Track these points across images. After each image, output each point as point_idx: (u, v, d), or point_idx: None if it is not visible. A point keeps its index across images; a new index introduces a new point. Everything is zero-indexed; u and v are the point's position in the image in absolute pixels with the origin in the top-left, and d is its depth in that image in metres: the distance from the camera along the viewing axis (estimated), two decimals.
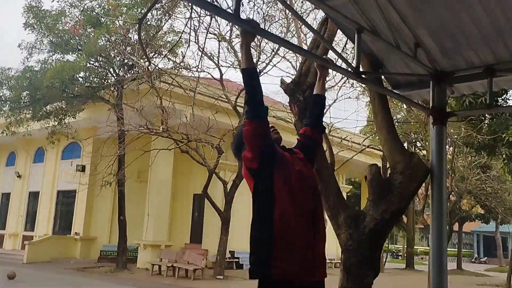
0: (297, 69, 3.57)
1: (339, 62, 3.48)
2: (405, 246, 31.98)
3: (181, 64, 16.71)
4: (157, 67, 16.03)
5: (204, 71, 16.97)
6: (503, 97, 10.87)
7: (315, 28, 3.62)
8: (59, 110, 18.96)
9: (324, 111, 2.90)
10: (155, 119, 16.84)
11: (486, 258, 47.56)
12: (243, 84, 2.43)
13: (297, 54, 12.42)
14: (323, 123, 2.95)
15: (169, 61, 17.60)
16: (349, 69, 2.92)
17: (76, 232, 22.30)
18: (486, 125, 12.90)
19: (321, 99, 2.84)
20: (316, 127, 2.84)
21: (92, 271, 17.43)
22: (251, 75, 2.32)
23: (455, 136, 18.55)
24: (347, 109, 51.45)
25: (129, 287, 13.35)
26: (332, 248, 24.78)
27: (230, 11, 2.26)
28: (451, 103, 10.33)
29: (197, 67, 16.82)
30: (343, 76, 15.25)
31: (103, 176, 17.29)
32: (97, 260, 20.50)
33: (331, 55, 3.93)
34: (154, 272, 17.45)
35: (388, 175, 3.56)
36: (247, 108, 2.45)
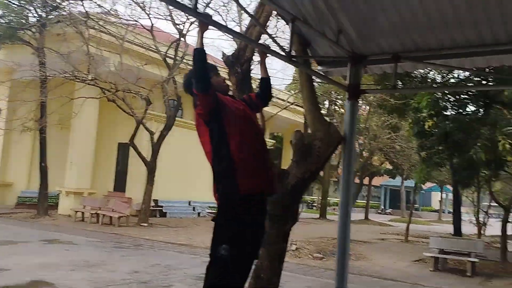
0: (237, 45, 4.03)
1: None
2: (320, 198, 34.09)
3: (110, 10, 16.28)
4: (82, 11, 15.49)
5: (134, 20, 16.59)
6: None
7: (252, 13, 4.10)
8: None
9: (271, 89, 3.45)
10: (81, 65, 16.43)
11: (391, 210, 51.91)
12: (192, 62, 2.89)
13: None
14: (271, 95, 3.50)
15: (97, 6, 17.01)
16: (283, 53, 3.45)
17: None
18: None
19: (267, 81, 3.40)
20: (262, 99, 3.46)
21: (9, 217, 17.13)
22: (200, 54, 2.78)
23: (371, 97, 19.92)
24: (274, 68, 52.18)
25: (52, 232, 13.44)
26: None
27: (189, 6, 2.68)
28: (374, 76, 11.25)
29: (126, 15, 16.45)
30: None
31: (22, 121, 16.77)
32: (14, 206, 20.09)
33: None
34: (77, 218, 17.54)
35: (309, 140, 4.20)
36: (195, 82, 2.91)
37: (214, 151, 2.97)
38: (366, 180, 33.65)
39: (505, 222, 15.41)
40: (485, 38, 3.68)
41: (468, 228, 26.87)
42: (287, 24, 3.44)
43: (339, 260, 4.15)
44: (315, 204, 44.04)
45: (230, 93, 3.50)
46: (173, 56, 16.87)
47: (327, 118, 18.51)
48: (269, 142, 29.16)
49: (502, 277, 11.66)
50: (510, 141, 7.59)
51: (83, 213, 17.72)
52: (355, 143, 4.28)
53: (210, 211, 23.83)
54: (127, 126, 18.55)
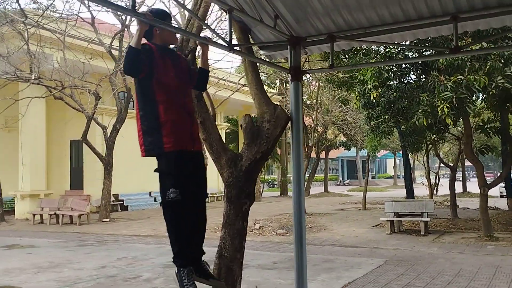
0: (180, 36, 4.13)
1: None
2: (280, 176, 34.67)
3: (48, 6, 15.76)
4: (17, 9, 14.91)
5: (74, 14, 16.16)
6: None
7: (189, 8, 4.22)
8: None
9: (207, 81, 3.62)
10: (22, 65, 15.91)
11: (349, 180, 53.52)
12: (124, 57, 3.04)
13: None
14: (205, 87, 3.68)
15: (33, 1, 16.42)
16: (224, 43, 3.60)
17: None
18: (345, 64, 14.48)
19: (205, 73, 3.53)
20: (198, 88, 3.72)
21: None
22: (134, 53, 2.92)
23: (320, 73, 20.35)
24: (222, 51, 51.78)
25: (12, 237, 13.17)
26: (214, 184, 26.25)
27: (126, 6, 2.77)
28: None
29: (65, 9, 16.00)
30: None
31: None
32: None
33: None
34: (36, 221, 17.19)
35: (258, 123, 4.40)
36: (126, 71, 3.07)
37: (142, 108, 3.19)
38: (322, 154, 34.43)
39: (452, 181, 16.34)
40: (410, 14, 3.97)
41: (422, 190, 28.17)
42: (226, 13, 3.59)
43: (296, 231, 4.41)
44: (275, 183, 44.75)
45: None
46: (118, 48, 16.61)
47: (279, 97, 18.69)
48: (224, 126, 29.26)
49: (453, 232, 12.45)
50: (448, 106, 8.09)
51: (41, 215, 17.37)
52: (303, 121, 4.52)
53: None
54: (78, 123, 18.22)
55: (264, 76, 24.11)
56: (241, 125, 4.41)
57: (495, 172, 48.73)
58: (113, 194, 19.28)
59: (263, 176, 37.01)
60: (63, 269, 8.57)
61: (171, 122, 3.13)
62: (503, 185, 18.37)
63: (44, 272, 8.25)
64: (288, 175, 31.47)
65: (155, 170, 3.24)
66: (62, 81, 15.55)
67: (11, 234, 14.36)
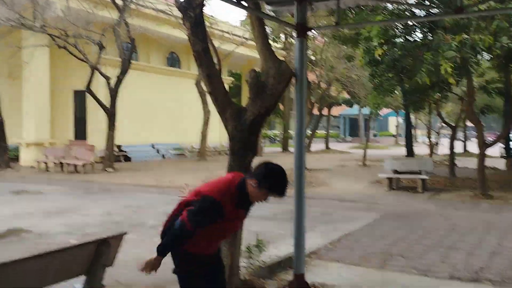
0: None
1: None
2: (282, 132, 34.84)
3: None
4: None
5: None
6: None
7: None
8: None
9: None
10: (26, 12, 15.76)
11: (350, 138, 53.75)
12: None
13: None
14: None
15: None
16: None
17: None
18: (351, 20, 14.33)
19: None
20: None
21: None
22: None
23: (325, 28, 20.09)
24: (228, 5, 50.67)
25: (19, 183, 13.51)
26: (215, 138, 26.49)
27: None
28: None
29: None
30: None
31: None
32: None
33: None
34: (41, 169, 17.55)
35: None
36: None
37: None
38: (325, 111, 34.44)
39: (452, 140, 16.51)
40: None
41: (423, 149, 28.42)
42: None
43: (296, 185, 4.60)
44: (277, 139, 44.97)
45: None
46: None
47: (284, 52, 18.49)
48: (228, 80, 29.17)
49: (450, 190, 12.74)
50: (451, 65, 8.11)
51: (46, 163, 17.70)
52: (307, 77, 4.62)
53: (174, 152, 24.18)
54: (82, 73, 18.23)
55: (269, 31, 23.81)
56: (246, 80, 4.52)
57: (497, 132, 48.85)
58: (116, 145, 19.55)
59: (265, 131, 37.25)
60: (71, 214, 8.89)
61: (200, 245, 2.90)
62: (504, 146, 18.55)
63: (53, 217, 8.57)
64: (290, 131, 31.64)
65: (174, 272, 2.99)
66: (65, 29, 15.44)
67: (18, 180, 14.71)
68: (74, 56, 16.63)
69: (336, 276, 5.30)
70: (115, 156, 19.15)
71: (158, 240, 2.85)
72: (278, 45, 26.89)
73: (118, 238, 3.39)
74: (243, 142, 4.39)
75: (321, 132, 42.67)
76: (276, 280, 4.98)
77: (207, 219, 2.73)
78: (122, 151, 21.56)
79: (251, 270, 4.85)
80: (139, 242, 6.35)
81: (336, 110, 44.25)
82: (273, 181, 2.85)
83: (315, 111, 28.36)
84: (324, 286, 4.84)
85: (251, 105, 4.39)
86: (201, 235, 2.77)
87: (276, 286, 4.73)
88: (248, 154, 4.48)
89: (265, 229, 7.83)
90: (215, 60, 4.66)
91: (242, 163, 4.45)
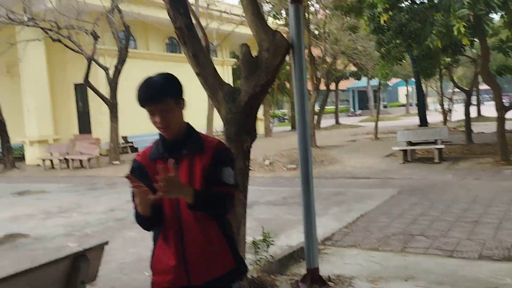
0: None
1: None
2: (290, 110, 34.20)
3: None
4: None
5: None
6: None
7: None
8: None
9: None
10: (15, 7, 15.25)
11: (360, 111, 52.87)
12: None
13: None
14: None
15: None
16: None
17: None
18: None
19: None
20: None
21: None
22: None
23: None
24: None
25: (23, 183, 13.20)
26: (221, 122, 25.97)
27: None
28: None
29: None
30: None
31: None
32: None
33: None
34: (47, 167, 17.25)
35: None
36: None
37: None
38: (332, 86, 33.69)
39: (467, 105, 15.85)
40: None
41: (435, 117, 27.69)
42: None
43: (302, 166, 4.12)
44: (286, 117, 44.38)
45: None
46: None
47: (286, 28, 17.76)
48: (230, 61, 28.47)
49: (468, 158, 12.15)
50: (465, 24, 7.49)
51: (51, 160, 17.40)
52: (304, 49, 4.08)
53: None
54: (81, 66, 17.74)
55: (270, 7, 23.04)
56: (238, 56, 4.00)
57: (510, 94, 47.62)
58: (122, 137, 19.15)
59: (273, 111, 36.64)
60: (72, 213, 8.51)
61: None
62: None
63: (53, 218, 8.20)
64: None
65: None
66: (57, 21, 14.93)
67: (22, 180, 14.42)
68: (70, 48, 16.14)
69: (353, 265, 4.82)
70: (121, 148, 18.77)
71: None
72: (280, 22, 26.12)
73: (98, 250, 2.94)
74: (239, 125, 3.89)
75: (330, 107, 41.96)
76: (288, 275, 4.52)
77: None
78: (128, 142, 21.18)
79: (258, 266, 4.39)
80: (139, 241, 5.94)
81: (344, 84, 43.37)
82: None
83: (322, 87, 27.63)
84: (341, 278, 4.38)
85: (244, 84, 3.88)
86: None
87: (288, 283, 4.28)
88: (245, 138, 3.98)
89: (275, 215, 7.38)
90: (202, 38, 4.14)
91: (240, 149, 3.96)
